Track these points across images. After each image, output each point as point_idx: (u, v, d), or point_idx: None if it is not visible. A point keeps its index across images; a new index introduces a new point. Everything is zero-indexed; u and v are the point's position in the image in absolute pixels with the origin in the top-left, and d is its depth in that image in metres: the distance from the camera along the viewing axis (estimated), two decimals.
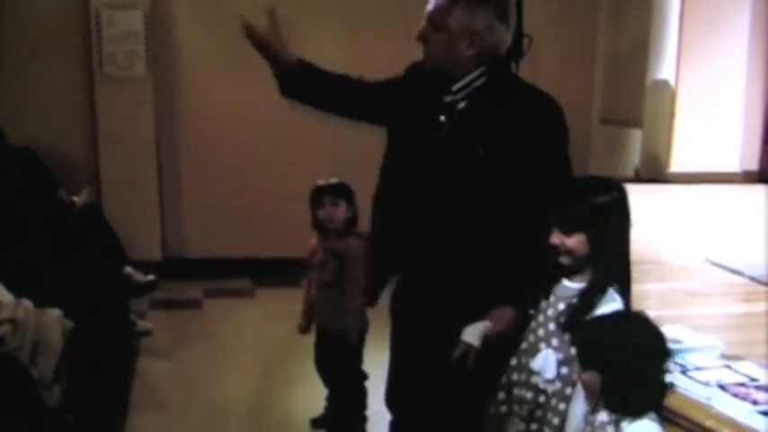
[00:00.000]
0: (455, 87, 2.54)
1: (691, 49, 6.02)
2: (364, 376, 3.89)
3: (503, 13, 2.52)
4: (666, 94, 6.13)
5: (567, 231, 2.38)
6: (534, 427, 2.42)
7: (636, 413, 2.10)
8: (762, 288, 3.25)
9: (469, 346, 2.47)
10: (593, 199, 2.40)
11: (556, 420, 2.36)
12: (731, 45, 6.06)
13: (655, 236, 4.24)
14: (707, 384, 2.21)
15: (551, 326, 2.42)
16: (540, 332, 2.44)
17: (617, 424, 2.13)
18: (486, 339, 2.47)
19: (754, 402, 2.11)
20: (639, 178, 6.38)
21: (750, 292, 3.24)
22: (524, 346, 2.49)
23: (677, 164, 6.13)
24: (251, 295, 6.24)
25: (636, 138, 6.65)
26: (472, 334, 2.47)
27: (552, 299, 2.46)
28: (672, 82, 6.11)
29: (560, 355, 2.38)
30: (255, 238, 6.35)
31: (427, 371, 2.68)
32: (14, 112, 5.90)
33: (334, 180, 3.87)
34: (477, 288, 2.51)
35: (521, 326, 2.50)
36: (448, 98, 2.56)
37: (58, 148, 6.02)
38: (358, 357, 3.88)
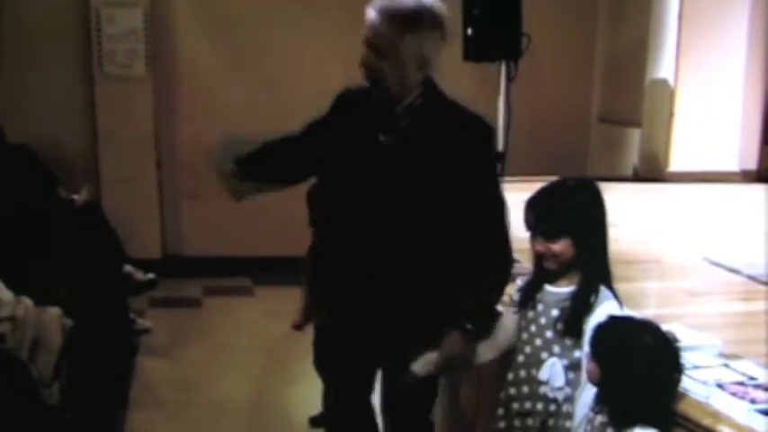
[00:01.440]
0: (399, 108, 2.55)
1: (690, 49, 6.02)
2: None
3: (446, 33, 2.54)
4: (665, 93, 6.13)
5: (552, 237, 2.38)
6: None
7: (634, 422, 2.11)
8: (760, 287, 3.25)
9: (415, 376, 2.47)
10: (573, 201, 2.40)
11: (569, 423, 2.37)
12: (730, 45, 6.05)
13: (653, 235, 4.24)
14: (705, 383, 2.21)
15: (549, 333, 2.41)
16: (538, 342, 2.43)
17: (618, 428, 2.15)
18: (437, 367, 2.48)
19: (753, 401, 2.11)
20: (638, 177, 6.38)
21: (748, 291, 3.24)
22: (521, 359, 2.47)
23: (676, 163, 6.12)
24: (250, 293, 6.25)
25: (635, 137, 6.65)
26: (421, 366, 2.47)
27: (541, 307, 2.45)
28: (671, 81, 6.10)
29: (565, 361, 2.39)
30: (255, 237, 6.36)
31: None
32: (14, 110, 5.90)
33: None
34: (423, 305, 2.53)
35: (472, 346, 2.49)
36: (392, 118, 2.56)
37: (58, 146, 6.03)
38: None
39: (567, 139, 6.98)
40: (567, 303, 2.39)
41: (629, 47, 6.74)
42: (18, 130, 5.38)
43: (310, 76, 6.47)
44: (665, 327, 2.38)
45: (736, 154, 6.16)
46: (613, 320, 2.26)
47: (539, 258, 2.44)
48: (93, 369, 4.03)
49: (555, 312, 2.40)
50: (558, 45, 6.86)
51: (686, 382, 2.22)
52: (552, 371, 2.39)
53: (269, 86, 6.41)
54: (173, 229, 6.70)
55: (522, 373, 2.45)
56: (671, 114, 6.10)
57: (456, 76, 6.62)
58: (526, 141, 6.46)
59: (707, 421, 2.08)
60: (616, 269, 3.42)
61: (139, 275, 5.56)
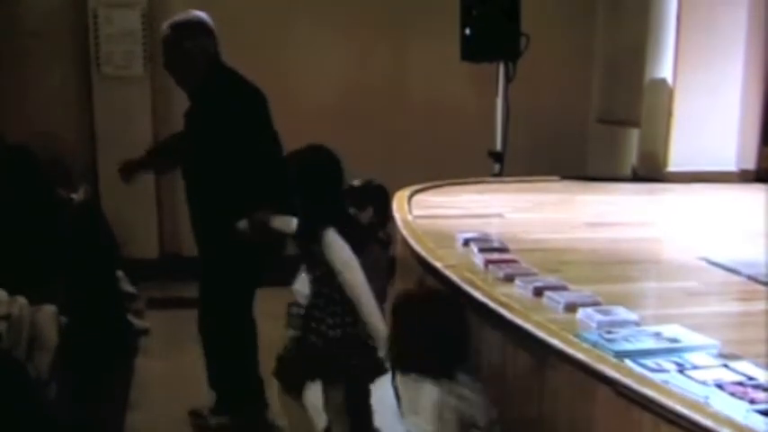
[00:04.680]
0: (189, 91, 4.08)
1: (688, 49, 6.01)
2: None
3: (191, 33, 4.18)
4: (664, 93, 6.12)
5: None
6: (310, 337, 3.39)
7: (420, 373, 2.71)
8: (759, 287, 3.24)
9: (244, 231, 3.74)
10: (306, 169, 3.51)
11: (323, 327, 3.32)
12: (729, 45, 6.05)
13: (652, 235, 4.24)
14: (704, 383, 2.21)
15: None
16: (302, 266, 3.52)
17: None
18: (252, 225, 3.70)
19: (752, 401, 2.11)
20: (637, 177, 6.38)
21: (747, 291, 3.23)
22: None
23: (674, 163, 6.11)
24: None
25: (633, 137, 6.64)
26: (241, 224, 3.73)
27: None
28: (669, 81, 6.10)
29: (310, 276, 3.39)
30: None
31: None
32: (11, 110, 5.90)
33: (358, 181, 3.87)
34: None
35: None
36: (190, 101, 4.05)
37: (56, 146, 6.01)
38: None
39: (565, 140, 6.98)
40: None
41: (628, 47, 6.74)
42: (16, 130, 5.38)
43: (311, 76, 6.47)
44: (664, 328, 2.38)
45: (735, 154, 6.16)
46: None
47: None
48: (91, 369, 4.03)
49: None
50: (557, 45, 6.86)
51: (685, 383, 2.22)
52: (302, 282, 3.58)
53: (268, 87, 6.40)
54: (170, 229, 6.70)
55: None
56: (669, 114, 6.09)
57: (454, 76, 6.69)
58: (525, 142, 6.47)
59: (706, 422, 2.07)
60: (615, 269, 3.44)
61: (127, 287, 5.53)
